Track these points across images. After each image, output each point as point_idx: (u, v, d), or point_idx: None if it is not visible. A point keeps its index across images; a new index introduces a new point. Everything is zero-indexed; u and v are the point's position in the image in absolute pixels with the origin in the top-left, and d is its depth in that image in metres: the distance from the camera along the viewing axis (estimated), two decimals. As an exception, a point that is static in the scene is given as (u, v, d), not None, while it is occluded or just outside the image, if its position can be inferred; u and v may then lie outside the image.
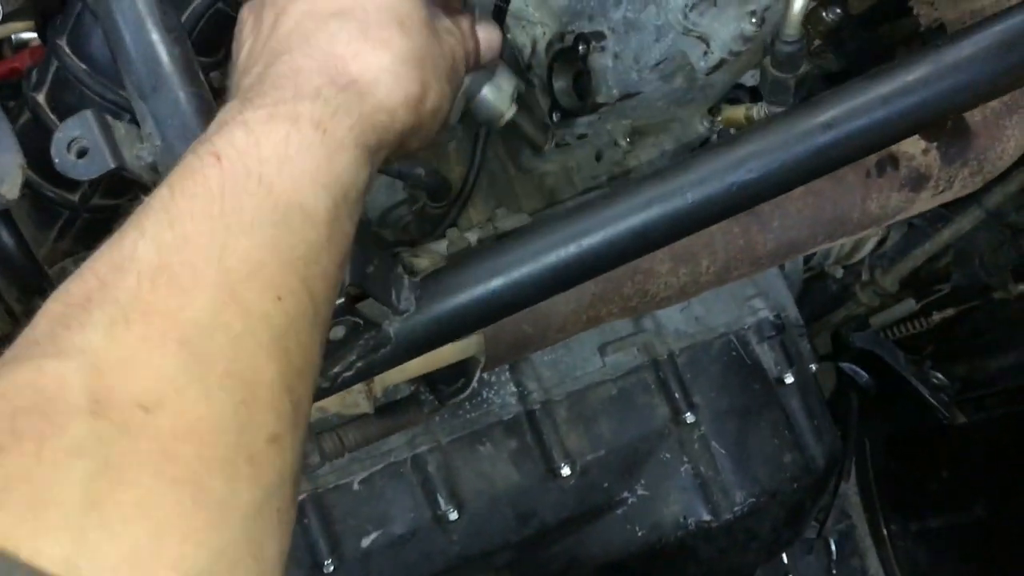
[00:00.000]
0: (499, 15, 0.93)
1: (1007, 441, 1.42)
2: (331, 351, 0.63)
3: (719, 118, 1.00)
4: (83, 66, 0.78)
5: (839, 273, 1.55)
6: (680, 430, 1.17)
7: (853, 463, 1.62)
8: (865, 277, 1.54)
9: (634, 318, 1.16)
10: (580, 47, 0.94)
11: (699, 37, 0.85)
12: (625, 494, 1.15)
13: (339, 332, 0.62)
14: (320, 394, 0.66)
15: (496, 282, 0.65)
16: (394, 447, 1.06)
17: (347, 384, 0.65)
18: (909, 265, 1.47)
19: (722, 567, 1.22)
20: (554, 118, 0.99)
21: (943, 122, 0.79)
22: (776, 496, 1.19)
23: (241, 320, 0.40)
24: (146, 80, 0.61)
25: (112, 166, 0.59)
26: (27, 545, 0.32)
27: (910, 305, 1.55)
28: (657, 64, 0.90)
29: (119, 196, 0.89)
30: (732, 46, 0.84)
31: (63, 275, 0.42)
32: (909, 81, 0.64)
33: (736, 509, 1.17)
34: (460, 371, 0.87)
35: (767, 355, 1.21)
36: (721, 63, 0.86)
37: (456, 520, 1.06)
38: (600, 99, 0.96)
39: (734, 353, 1.19)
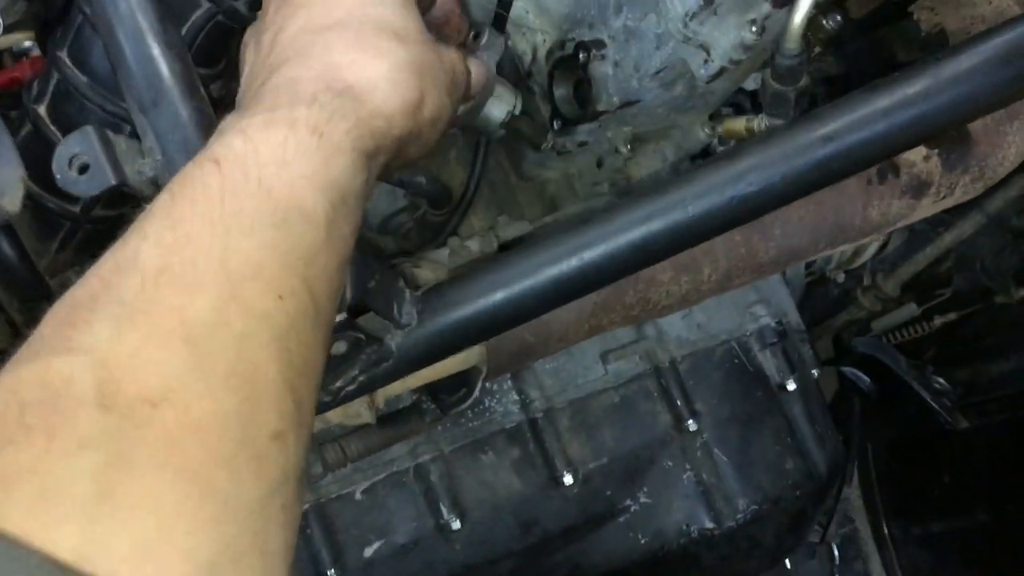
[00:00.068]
0: (499, 23, 0.93)
1: (1009, 446, 1.41)
2: (333, 366, 0.63)
3: (720, 128, 0.99)
4: (84, 78, 0.78)
5: (841, 278, 1.55)
6: (682, 437, 1.17)
7: (855, 467, 1.61)
8: (867, 281, 1.53)
9: (636, 325, 1.16)
10: (580, 55, 0.94)
11: (699, 46, 0.85)
12: (628, 502, 1.15)
13: (341, 347, 0.62)
14: (322, 408, 0.66)
15: (497, 296, 0.65)
16: (396, 456, 1.06)
17: (349, 398, 0.65)
18: (911, 269, 1.46)
19: (725, 574, 1.22)
20: (555, 126, 0.99)
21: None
22: (779, 503, 1.19)
23: (243, 319, 0.41)
24: (147, 95, 0.61)
25: (113, 182, 0.59)
26: (38, 535, 0.32)
27: (912, 309, 1.54)
28: (657, 72, 0.90)
29: (121, 207, 0.89)
30: (732, 55, 0.84)
31: (65, 286, 0.42)
32: (909, 94, 0.64)
33: (739, 516, 1.17)
34: (462, 381, 0.87)
35: (769, 362, 1.21)
36: (721, 71, 0.86)
37: (459, 529, 1.06)
38: (601, 107, 0.96)
39: (736, 360, 1.19)
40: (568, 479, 1.10)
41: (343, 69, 0.52)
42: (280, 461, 0.39)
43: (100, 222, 0.89)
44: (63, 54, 0.78)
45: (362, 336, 0.62)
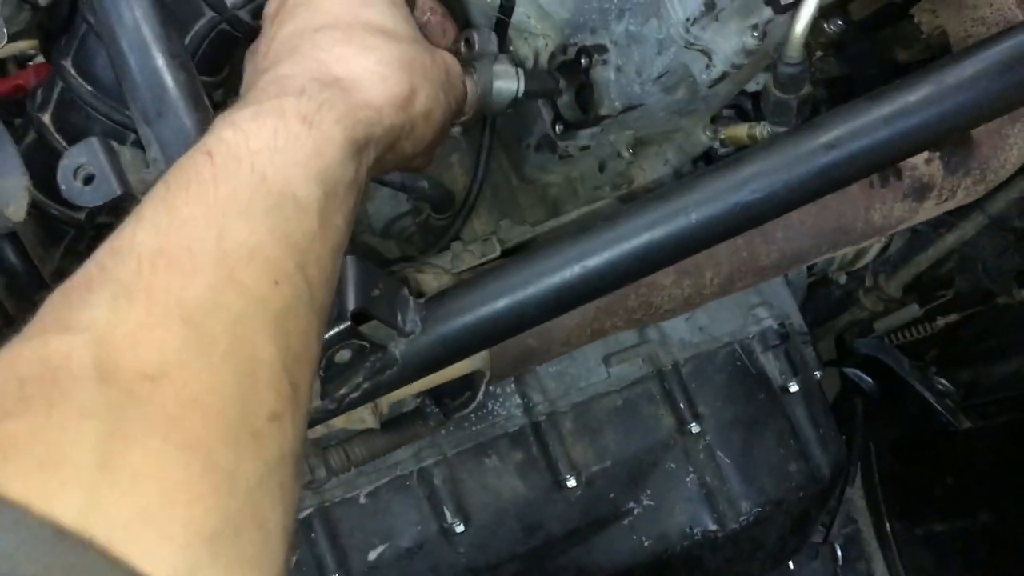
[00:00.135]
0: (501, 28, 0.93)
1: (1012, 447, 1.41)
2: (337, 373, 0.64)
3: (722, 133, 0.99)
4: (88, 87, 0.78)
5: (843, 279, 1.55)
6: (685, 440, 1.17)
7: (858, 468, 1.61)
8: (869, 283, 1.53)
9: (638, 328, 1.16)
10: (582, 60, 0.94)
11: (701, 51, 0.85)
12: (631, 505, 1.16)
13: (345, 355, 0.62)
14: (327, 416, 0.67)
15: (501, 304, 0.65)
16: (400, 460, 1.06)
17: (354, 405, 0.65)
18: (913, 271, 1.46)
19: (728, 576, 1.22)
20: (557, 130, 0.99)
21: (946, 135, 0.79)
22: (782, 505, 1.19)
23: (241, 301, 0.41)
24: (151, 105, 0.62)
25: (118, 192, 0.60)
26: (39, 502, 0.32)
27: (914, 310, 1.55)
28: (659, 77, 0.90)
29: (125, 214, 0.89)
30: (734, 59, 0.84)
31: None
32: (912, 101, 0.64)
33: (742, 519, 1.17)
34: (466, 385, 0.87)
35: (772, 364, 1.21)
36: (723, 76, 0.86)
37: (463, 533, 1.07)
38: (603, 111, 0.96)
39: (739, 362, 1.19)
40: (571, 482, 1.10)
41: (331, 64, 0.53)
42: (278, 441, 0.40)
43: (104, 229, 0.89)
44: (67, 63, 0.79)
45: (366, 344, 0.63)
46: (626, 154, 1.04)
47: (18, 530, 0.32)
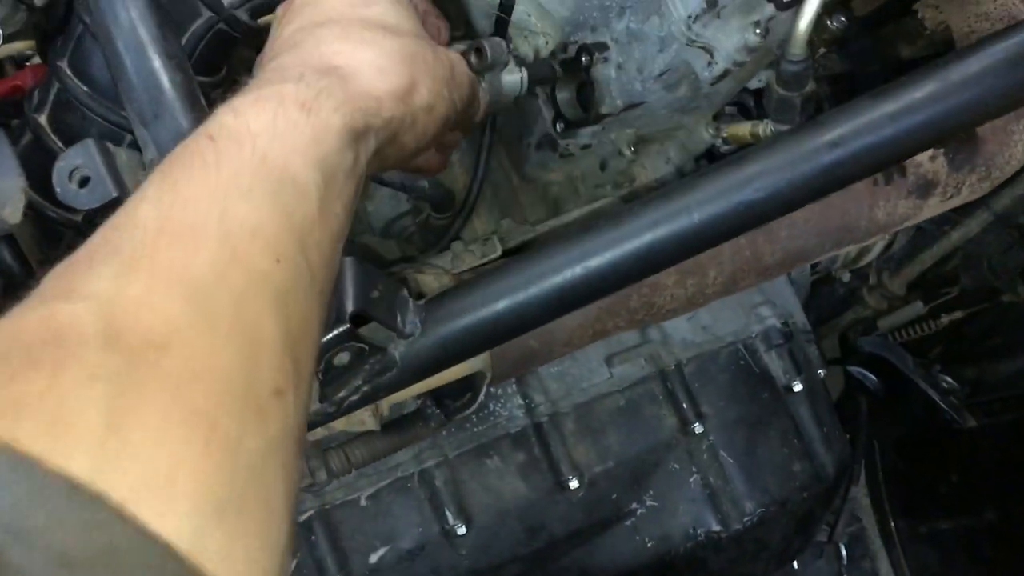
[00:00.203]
0: (501, 26, 0.93)
1: (1017, 445, 1.41)
2: (336, 376, 0.63)
3: (725, 130, 0.99)
4: (84, 88, 0.78)
5: (846, 277, 1.54)
6: (688, 440, 1.16)
7: (862, 466, 1.61)
8: (873, 280, 1.53)
9: (640, 328, 1.16)
10: (583, 58, 0.93)
11: (703, 48, 0.85)
12: (634, 505, 1.15)
13: (344, 358, 0.62)
14: (326, 419, 0.66)
15: (501, 305, 0.64)
16: (401, 462, 1.06)
17: (353, 408, 0.65)
18: (917, 268, 1.46)
19: (732, 577, 1.22)
20: (558, 128, 0.99)
21: (951, 132, 0.78)
22: (786, 505, 1.19)
23: (243, 278, 0.41)
24: (148, 107, 0.61)
25: (114, 195, 0.59)
26: (50, 460, 0.32)
27: (918, 308, 1.54)
28: (661, 75, 0.89)
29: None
30: (736, 56, 0.83)
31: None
32: (917, 99, 0.63)
33: (746, 519, 1.16)
34: (467, 386, 0.87)
35: (775, 363, 1.20)
36: (725, 73, 0.85)
37: (464, 534, 1.06)
38: (604, 110, 0.95)
39: (742, 362, 1.18)
40: (574, 483, 1.10)
41: (330, 56, 0.54)
42: (280, 418, 0.40)
43: (102, 230, 0.89)
44: (63, 64, 0.78)
45: (365, 346, 0.62)
46: (628, 152, 1.03)
47: (28, 481, 0.31)
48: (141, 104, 0.61)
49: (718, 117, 1.04)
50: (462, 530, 1.06)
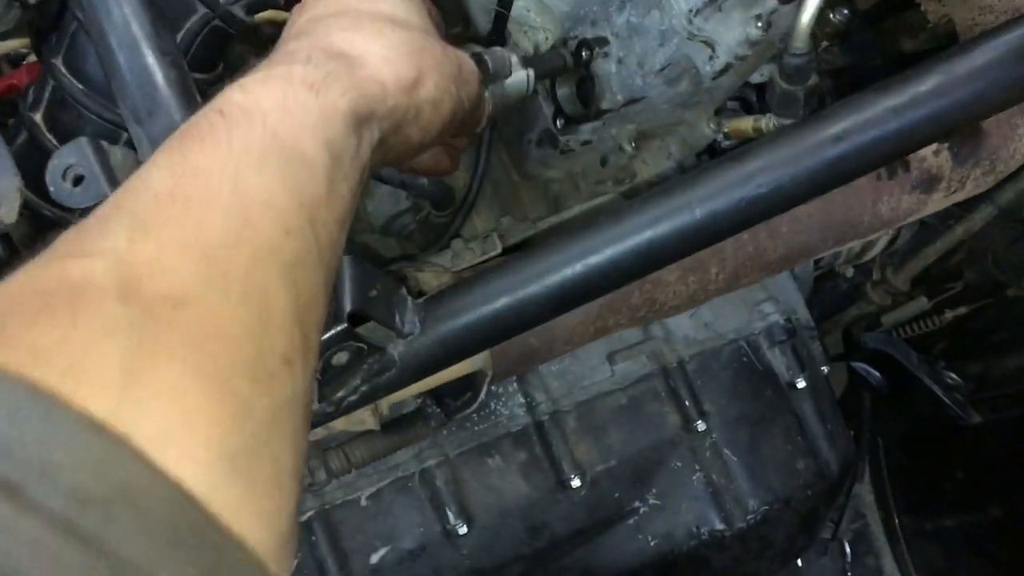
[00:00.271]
0: (500, 21, 0.92)
1: (1023, 442, 1.40)
2: (334, 376, 0.62)
3: (726, 125, 0.98)
4: (80, 85, 0.77)
5: (850, 272, 1.53)
6: (691, 438, 1.15)
7: (866, 463, 1.60)
8: (876, 276, 1.52)
9: (642, 325, 1.15)
10: (583, 53, 0.92)
11: (704, 42, 0.84)
12: (636, 504, 1.14)
13: (342, 358, 0.61)
14: (325, 419, 0.65)
15: (501, 303, 0.64)
16: (401, 461, 1.05)
17: (352, 408, 0.64)
18: (921, 263, 1.45)
19: (736, 576, 1.21)
20: (558, 125, 0.98)
21: (955, 126, 0.77)
22: (790, 503, 1.18)
23: (254, 246, 0.41)
24: (142, 104, 0.60)
25: (108, 193, 0.58)
26: (69, 400, 0.32)
27: (922, 303, 1.53)
28: (662, 69, 0.89)
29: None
30: (738, 50, 0.82)
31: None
32: (921, 92, 0.63)
33: (749, 517, 1.15)
34: (467, 385, 0.86)
35: (778, 360, 1.19)
36: (727, 67, 0.85)
37: (466, 534, 1.05)
38: (604, 105, 0.95)
39: (745, 359, 1.18)
40: (576, 482, 1.09)
41: (338, 42, 0.54)
42: (288, 385, 0.40)
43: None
44: (58, 61, 0.77)
45: (364, 346, 0.61)
46: (628, 148, 1.03)
47: (49, 418, 0.32)
48: (135, 101, 0.61)
49: (720, 112, 1.03)
50: (463, 530, 1.05)
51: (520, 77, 0.80)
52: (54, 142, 0.79)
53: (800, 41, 0.70)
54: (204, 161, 0.43)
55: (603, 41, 0.91)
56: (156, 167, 0.43)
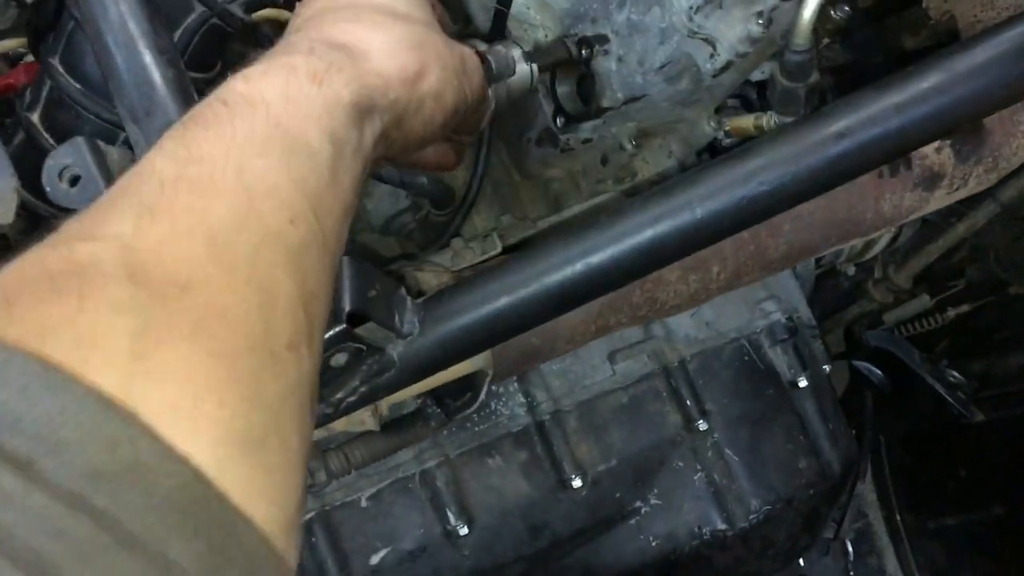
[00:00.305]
0: (500, 19, 0.91)
1: (1026, 440, 1.40)
2: (333, 377, 0.62)
3: (727, 123, 0.97)
4: (77, 85, 0.76)
5: (851, 270, 1.53)
6: (693, 438, 1.15)
7: (869, 462, 1.60)
8: (878, 274, 1.51)
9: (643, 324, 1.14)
10: (583, 51, 0.92)
11: (705, 39, 0.83)
12: (638, 504, 1.14)
13: (341, 359, 0.61)
14: (324, 420, 0.65)
15: (501, 303, 0.63)
16: (402, 462, 1.04)
17: (351, 409, 0.64)
18: (923, 261, 1.44)
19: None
20: (558, 123, 0.97)
21: (958, 123, 0.77)
22: (792, 503, 1.17)
23: (260, 232, 0.41)
24: (139, 104, 0.60)
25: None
26: (79, 375, 0.33)
27: (924, 301, 1.52)
28: (662, 67, 0.88)
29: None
30: (739, 48, 0.82)
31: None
32: (923, 89, 0.62)
33: (751, 517, 1.15)
34: (467, 385, 0.86)
35: (780, 359, 1.19)
36: (728, 65, 0.84)
37: (467, 535, 1.05)
38: (605, 103, 0.94)
39: (746, 358, 1.17)
40: (577, 482, 1.09)
41: (339, 34, 0.54)
42: (295, 369, 0.40)
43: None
44: (55, 61, 0.77)
45: (362, 347, 0.61)
46: (629, 147, 1.02)
47: (59, 393, 0.32)
48: (132, 101, 0.60)
49: (720, 110, 1.03)
50: (464, 530, 1.05)
51: (523, 71, 0.79)
52: (51, 142, 0.79)
53: (801, 38, 0.69)
54: (208, 149, 0.43)
55: (603, 39, 0.91)
56: (161, 154, 0.43)
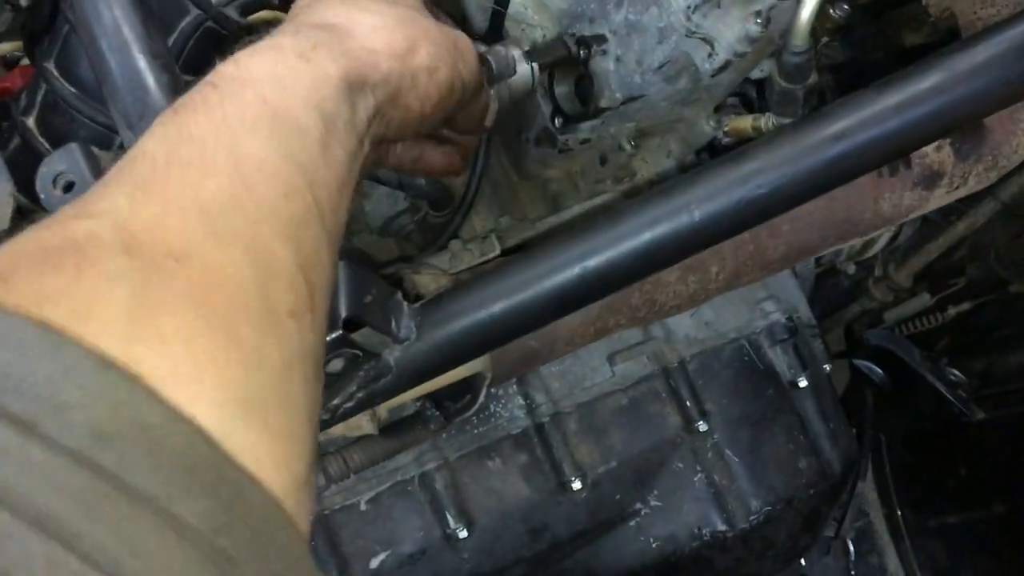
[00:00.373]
0: (497, 19, 0.91)
1: (1027, 439, 1.39)
2: (330, 383, 0.62)
3: (726, 127, 0.97)
4: (72, 89, 0.76)
5: (852, 269, 1.52)
6: (693, 439, 1.15)
7: (869, 460, 1.59)
8: (878, 272, 1.51)
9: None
10: (581, 51, 0.91)
11: (703, 39, 0.83)
12: (638, 505, 1.13)
13: (337, 365, 0.60)
14: (321, 426, 0.64)
15: (498, 307, 0.63)
16: (401, 465, 1.04)
17: (348, 415, 0.63)
18: (923, 259, 1.44)
19: (738, 576, 1.20)
20: (556, 123, 0.97)
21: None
22: (792, 503, 1.17)
23: (254, 206, 0.41)
24: (133, 108, 0.60)
25: (99, 200, 0.58)
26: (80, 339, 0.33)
27: (925, 300, 1.52)
28: (660, 67, 0.88)
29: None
30: (737, 47, 0.81)
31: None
32: (922, 89, 0.62)
33: (752, 518, 1.15)
34: (466, 387, 0.85)
35: (780, 359, 1.19)
36: (726, 64, 0.84)
37: (466, 537, 1.05)
38: (603, 103, 0.94)
39: (746, 358, 1.17)
40: (577, 484, 1.08)
41: (327, 16, 0.55)
42: (297, 337, 0.40)
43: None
44: (50, 65, 0.77)
45: (359, 352, 0.61)
46: (628, 147, 1.02)
47: (61, 356, 0.32)
48: (126, 106, 0.60)
49: (720, 109, 1.02)
50: (464, 533, 1.05)
51: (524, 71, 0.79)
52: (47, 147, 0.79)
53: (799, 39, 0.69)
54: (198, 130, 0.43)
55: (601, 39, 0.90)
56: (153, 138, 0.43)
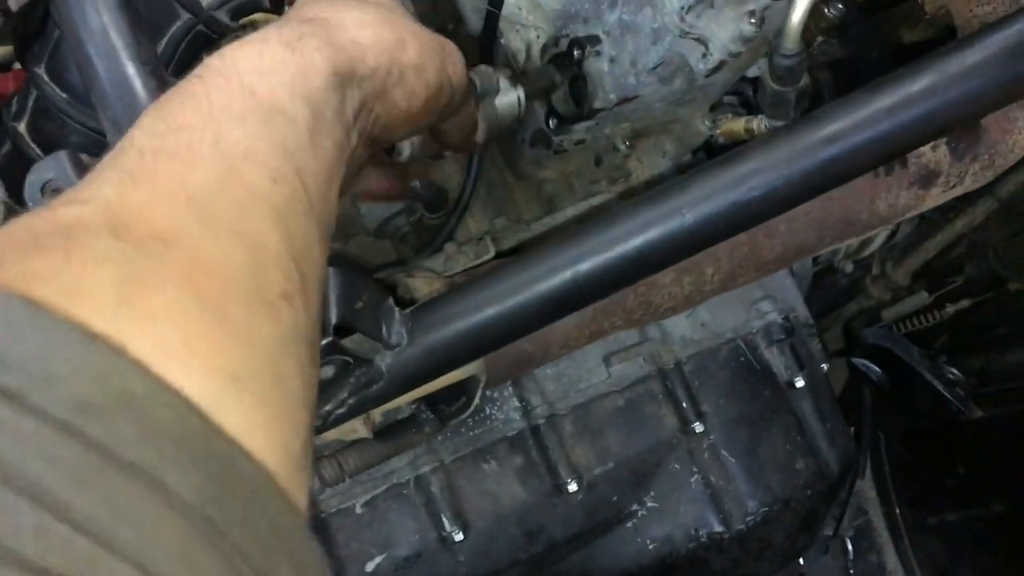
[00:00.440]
0: (491, 20, 0.91)
1: (1025, 437, 1.39)
2: (321, 389, 0.61)
3: (720, 127, 0.97)
4: (63, 94, 0.76)
5: (849, 267, 1.52)
6: (689, 440, 1.14)
7: (868, 459, 1.59)
8: (876, 271, 1.51)
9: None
10: (575, 51, 0.91)
11: (697, 39, 0.83)
12: (634, 507, 1.13)
13: (328, 371, 0.60)
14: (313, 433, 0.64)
15: (490, 312, 0.63)
16: (396, 468, 1.04)
17: (340, 422, 0.63)
18: (921, 257, 1.43)
19: (736, 577, 1.20)
20: (551, 125, 0.97)
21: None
22: (789, 504, 1.17)
23: (243, 192, 0.41)
24: (122, 115, 0.59)
25: (88, 207, 0.57)
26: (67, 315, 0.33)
27: (923, 298, 1.52)
28: (655, 67, 0.87)
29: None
30: (731, 47, 0.81)
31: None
32: (914, 92, 0.61)
33: (749, 519, 1.14)
34: (461, 390, 0.85)
35: (777, 359, 1.18)
36: (721, 64, 0.83)
37: (462, 540, 1.04)
38: (598, 104, 0.94)
39: (742, 359, 1.16)
40: (572, 486, 1.08)
41: (313, 12, 0.55)
42: (290, 320, 0.40)
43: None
44: (41, 70, 0.77)
45: (349, 359, 0.60)
46: (623, 147, 1.01)
47: (47, 330, 0.32)
48: (115, 112, 0.60)
49: (715, 108, 1.02)
50: (459, 536, 1.04)
51: (511, 98, 0.80)
52: (38, 153, 0.79)
53: (791, 42, 0.69)
54: (185, 120, 0.43)
55: (595, 39, 0.90)
56: (140, 129, 0.44)
